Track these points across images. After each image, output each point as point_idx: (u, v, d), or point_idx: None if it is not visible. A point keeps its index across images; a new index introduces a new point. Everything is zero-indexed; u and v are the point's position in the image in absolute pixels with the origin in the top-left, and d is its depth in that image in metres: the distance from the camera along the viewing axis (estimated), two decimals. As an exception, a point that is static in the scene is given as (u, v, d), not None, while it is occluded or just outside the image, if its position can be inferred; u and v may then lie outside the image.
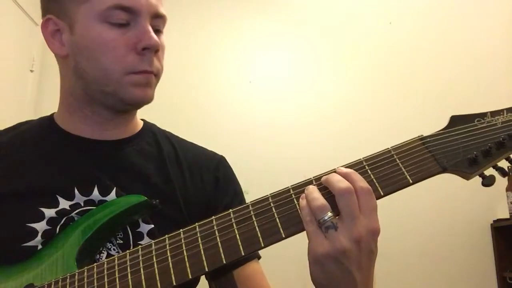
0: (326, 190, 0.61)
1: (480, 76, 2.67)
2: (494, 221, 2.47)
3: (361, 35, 2.82)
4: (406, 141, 0.64)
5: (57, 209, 0.76)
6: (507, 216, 2.39)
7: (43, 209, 0.76)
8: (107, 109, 0.83)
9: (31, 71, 2.68)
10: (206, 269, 0.60)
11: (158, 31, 0.82)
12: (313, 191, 0.60)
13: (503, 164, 0.64)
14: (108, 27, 0.77)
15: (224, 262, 0.60)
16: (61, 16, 0.81)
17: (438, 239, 2.41)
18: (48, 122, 0.89)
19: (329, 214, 0.58)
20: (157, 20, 0.82)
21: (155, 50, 0.79)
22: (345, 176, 0.61)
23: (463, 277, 2.44)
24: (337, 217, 0.58)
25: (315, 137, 2.67)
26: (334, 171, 0.62)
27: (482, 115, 0.64)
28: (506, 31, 2.73)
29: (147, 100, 0.82)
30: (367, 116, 2.68)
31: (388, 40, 2.79)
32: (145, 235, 0.78)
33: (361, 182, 0.60)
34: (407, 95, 2.69)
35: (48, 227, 0.75)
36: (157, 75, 0.82)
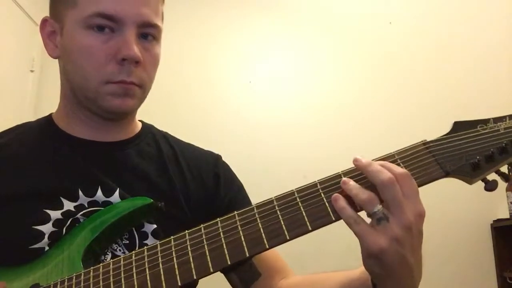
0: (361, 182, 0.61)
1: (481, 76, 2.67)
2: (494, 221, 2.48)
3: (361, 35, 2.82)
4: (410, 145, 0.65)
5: (62, 210, 0.76)
6: (507, 216, 2.39)
7: (48, 211, 0.76)
8: (96, 114, 0.83)
9: (31, 71, 2.68)
10: (211, 270, 0.60)
11: (149, 38, 0.80)
12: (353, 187, 0.60)
13: (505, 168, 0.64)
14: (90, 34, 0.77)
15: (229, 263, 0.60)
16: (56, 18, 0.82)
17: (438, 239, 2.40)
18: (47, 123, 0.89)
19: (379, 205, 0.58)
20: (149, 28, 0.79)
21: (134, 61, 0.77)
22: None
23: (463, 277, 2.44)
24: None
25: (315, 137, 2.67)
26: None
27: (485, 121, 0.65)
28: (506, 30, 2.72)
29: (126, 110, 0.81)
30: (367, 116, 2.68)
31: (388, 40, 2.79)
32: (149, 235, 0.79)
33: (398, 168, 0.60)
34: (407, 95, 2.69)
35: (55, 229, 0.75)
36: (141, 86, 0.80)
